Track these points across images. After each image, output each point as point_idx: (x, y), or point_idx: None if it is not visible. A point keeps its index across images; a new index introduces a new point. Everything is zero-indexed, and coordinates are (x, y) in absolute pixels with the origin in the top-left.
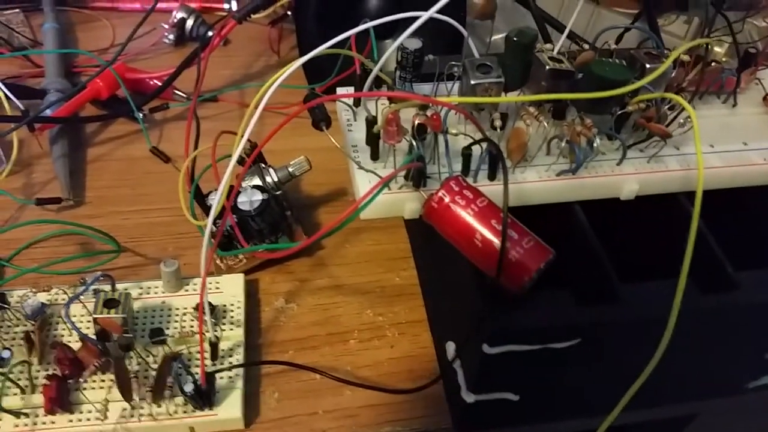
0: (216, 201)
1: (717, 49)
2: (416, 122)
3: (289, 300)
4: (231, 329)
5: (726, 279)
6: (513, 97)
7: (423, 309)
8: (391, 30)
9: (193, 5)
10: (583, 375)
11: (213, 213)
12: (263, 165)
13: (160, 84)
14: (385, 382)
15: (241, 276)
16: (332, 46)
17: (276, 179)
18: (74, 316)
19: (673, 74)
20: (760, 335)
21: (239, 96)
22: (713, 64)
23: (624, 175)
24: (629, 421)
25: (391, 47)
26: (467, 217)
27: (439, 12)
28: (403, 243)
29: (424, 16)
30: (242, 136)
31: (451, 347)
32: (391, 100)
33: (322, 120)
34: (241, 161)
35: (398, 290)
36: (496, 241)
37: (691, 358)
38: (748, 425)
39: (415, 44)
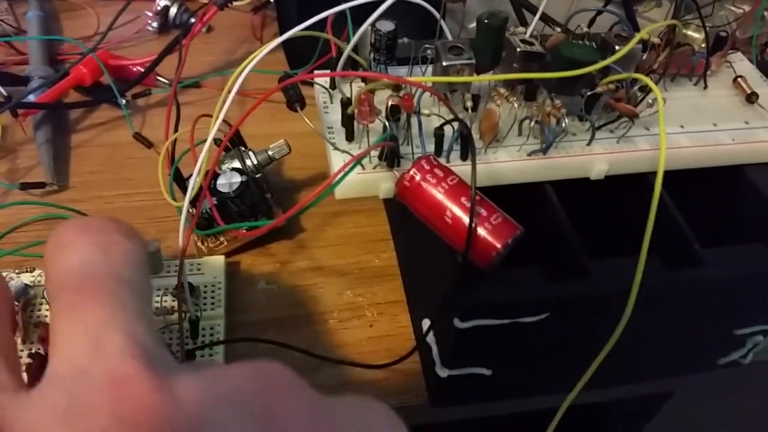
0: (192, 181)
1: (694, 34)
2: (390, 103)
3: (269, 281)
4: (212, 309)
5: (692, 255)
6: (483, 76)
7: (402, 289)
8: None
9: None
10: (555, 350)
11: (189, 192)
12: (243, 148)
13: (143, 70)
14: (363, 361)
15: (222, 258)
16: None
17: (256, 162)
18: None
19: (644, 57)
20: (727, 311)
21: (221, 82)
22: (686, 46)
23: (594, 155)
24: (607, 398)
25: (361, 28)
26: (438, 194)
27: None
28: (383, 225)
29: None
30: (217, 118)
31: (426, 324)
32: (365, 81)
33: (296, 101)
34: (218, 143)
35: (378, 271)
36: (465, 218)
37: (661, 334)
38: (724, 401)
39: (388, 26)
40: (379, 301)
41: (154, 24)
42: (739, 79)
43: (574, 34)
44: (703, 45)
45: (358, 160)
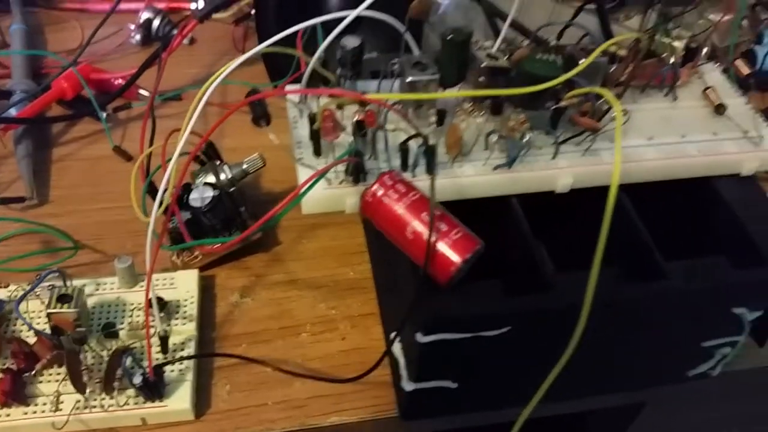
0: (159, 196)
1: (675, 44)
2: (355, 118)
3: (244, 295)
4: (183, 324)
5: (654, 268)
6: (440, 93)
7: (375, 302)
8: (353, 29)
9: (159, 6)
10: (519, 363)
11: (156, 208)
12: (218, 162)
13: (124, 83)
14: (334, 374)
15: (195, 272)
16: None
17: (230, 176)
18: (33, 311)
19: (613, 69)
20: (692, 324)
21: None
22: (652, 59)
23: (558, 169)
24: (581, 409)
25: (322, 45)
26: (399, 210)
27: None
28: (359, 238)
29: (352, 14)
30: (185, 132)
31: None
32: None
33: (261, 117)
34: (196, 158)
35: (352, 284)
36: (426, 233)
37: (629, 346)
38: (696, 412)
39: (354, 42)
40: (353, 313)
41: (137, 37)
42: (708, 90)
43: (545, 47)
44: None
45: (321, 175)
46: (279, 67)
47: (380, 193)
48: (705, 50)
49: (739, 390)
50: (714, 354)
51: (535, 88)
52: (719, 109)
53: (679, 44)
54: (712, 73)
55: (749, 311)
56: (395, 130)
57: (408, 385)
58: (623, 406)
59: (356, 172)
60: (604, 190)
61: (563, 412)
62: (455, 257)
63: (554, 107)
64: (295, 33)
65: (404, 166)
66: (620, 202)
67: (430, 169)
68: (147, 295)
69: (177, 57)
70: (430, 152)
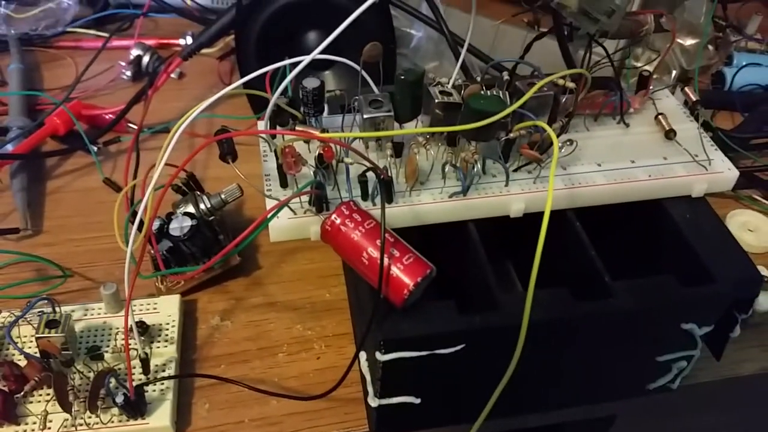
0: (134, 227)
1: (648, 67)
2: (317, 153)
3: (224, 318)
4: (165, 346)
5: (602, 288)
6: (384, 132)
7: (350, 322)
8: (329, 64)
9: (149, 42)
10: (477, 378)
11: (131, 238)
12: (198, 193)
13: (114, 118)
14: (309, 392)
15: (177, 297)
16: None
17: (209, 206)
18: (25, 336)
19: (564, 99)
20: (644, 340)
21: (190, 127)
22: (596, 91)
23: (511, 195)
24: (550, 422)
25: (278, 90)
26: (356, 237)
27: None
28: (336, 261)
29: (307, 59)
30: (159, 165)
31: (363, 356)
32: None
33: (228, 153)
34: (177, 189)
35: (328, 305)
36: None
37: (588, 361)
38: (669, 424)
39: (313, 84)
40: (328, 334)
41: (128, 73)
42: (659, 116)
43: (499, 83)
44: (656, 76)
45: (282, 206)
46: (260, 101)
47: (338, 221)
48: (674, 73)
49: (709, 401)
50: (671, 368)
51: (477, 124)
52: (669, 134)
53: (649, 67)
54: (667, 100)
55: (698, 327)
56: (353, 164)
57: (373, 401)
58: (594, 420)
59: (319, 203)
60: (556, 213)
61: (534, 425)
62: (407, 280)
63: (504, 138)
64: (275, 70)
65: (365, 195)
66: (572, 224)
67: (386, 199)
68: (126, 319)
69: (167, 91)
70: (383, 184)
